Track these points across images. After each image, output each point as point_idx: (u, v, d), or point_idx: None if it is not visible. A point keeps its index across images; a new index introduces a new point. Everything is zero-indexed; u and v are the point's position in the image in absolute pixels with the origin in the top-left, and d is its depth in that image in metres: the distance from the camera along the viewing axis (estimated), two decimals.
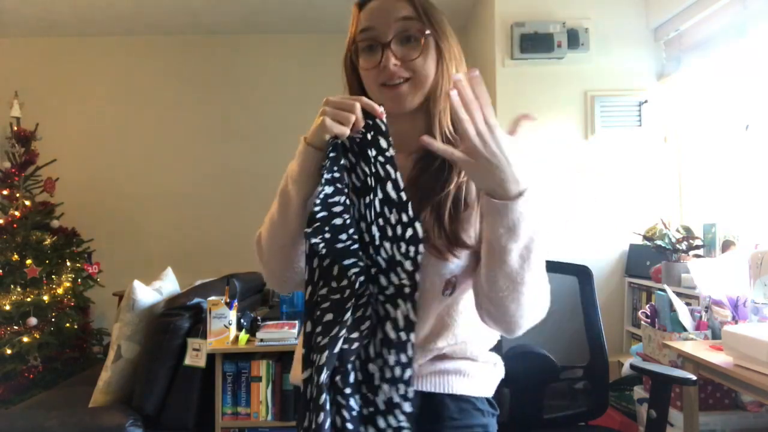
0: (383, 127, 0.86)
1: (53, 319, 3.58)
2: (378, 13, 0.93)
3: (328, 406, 0.82)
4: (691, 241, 2.71)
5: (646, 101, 3.25)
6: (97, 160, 4.44)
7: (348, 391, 0.84)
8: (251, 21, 4.27)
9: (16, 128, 3.84)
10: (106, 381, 2.14)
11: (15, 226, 3.61)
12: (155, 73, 4.51)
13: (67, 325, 3.62)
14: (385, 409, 0.85)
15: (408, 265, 0.85)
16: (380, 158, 0.86)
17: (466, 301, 0.96)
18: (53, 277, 3.69)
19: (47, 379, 3.42)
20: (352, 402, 0.84)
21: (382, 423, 0.85)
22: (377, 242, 0.86)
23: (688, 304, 2.37)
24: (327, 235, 0.84)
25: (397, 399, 0.85)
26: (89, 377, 2.56)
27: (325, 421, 0.81)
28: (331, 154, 0.85)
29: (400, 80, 0.92)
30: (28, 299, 3.48)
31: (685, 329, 2.24)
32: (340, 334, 0.82)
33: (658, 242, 2.78)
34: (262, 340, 2.21)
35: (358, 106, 0.83)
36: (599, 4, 3.30)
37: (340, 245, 0.85)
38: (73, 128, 4.42)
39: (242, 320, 2.30)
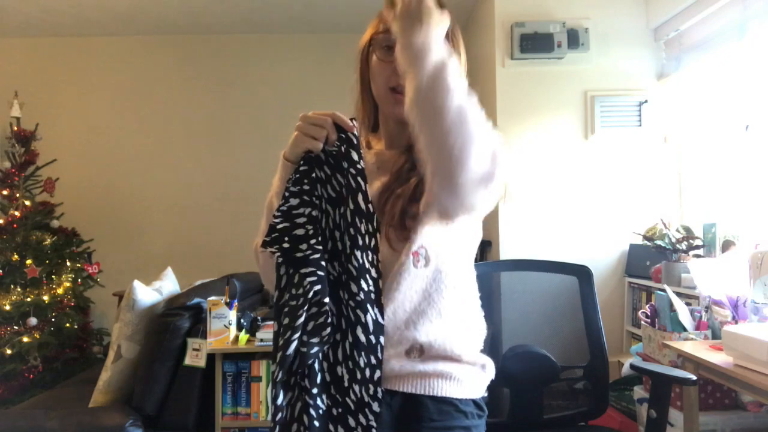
0: (354, 141, 0.92)
1: (53, 319, 3.58)
2: None
3: (284, 403, 0.90)
4: (691, 241, 2.71)
5: (646, 101, 3.25)
6: (97, 160, 4.44)
7: (315, 391, 0.89)
8: (251, 21, 4.27)
9: (16, 128, 3.84)
10: (106, 381, 2.14)
11: (15, 226, 3.61)
12: (155, 73, 4.51)
13: (67, 325, 3.62)
14: (356, 409, 0.89)
15: (374, 272, 0.90)
16: (352, 170, 0.91)
17: (450, 294, 0.97)
18: (53, 277, 3.69)
19: (47, 379, 3.42)
20: (318, 401, 0.89)
21: (352, 422, 0.89)
22: (348, 251, 0.90)
23: (688, 304, 2.37)
24: (285, 245, 0.90)
25: (367, 399, 0.89)
26: (89, 377, 2.56)
27: (282, 418, 0.89)
28: (302, 168, 0.92)
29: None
30: (28, 299, 3.48)
31: (685, 329, 2.24)
32: (293, 338, 0.87)
33: (658, 242, 2.78)
34: (262, 340, 2.21)
35: (329, 121, 0.89)
36: (599, 4, 3.30)
37: (299, 254, 0.90)
38: (73, 128, 4.42)
39: (242, 320, 2.30)
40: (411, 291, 0.94)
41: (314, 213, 0.92)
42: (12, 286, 3.53)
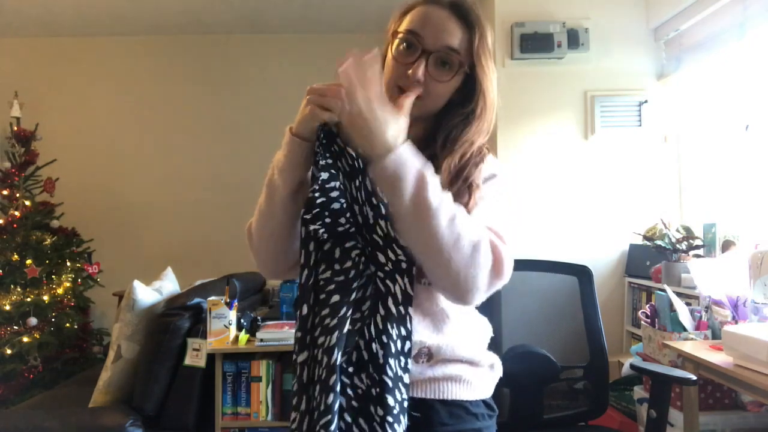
0: None
1: (53, 319, 3.58)
2: (432, 26, 0.94)
3: (338, 387, 0.83)
4: (691, 241, 2.71)
5: (646, 101, 3.25)
6: (97, 160, 4.44)
7: (351, 370, 0.86)
8: (251, 21, 4.27)
9: (16, 128, 3.84)
10: (106, 381, 2.14)
11: (15, 226, 3.60)
12: (155, 73, 4.51)
13: (67, 325, 3.62)
14: (392, 386, 0.84)
15: (402, 240, 0.86)
16: None
17: None
18: (53, 277, 3.69)
19: (47, 379, 3.42)
20: (356, 380, 0.86)
21: (391, 401, 0.84)
22: (371, 221, 0.86)
23: (688, 304, 2.37)
24: (327, 220, 0.87)
25: (400, 372, 0.86)
26: (89, 377, 2.56)
27: (335, 401, 0.82)
28: (323, 141, 0.87)
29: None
30: (28, 299, 3.48)
31: (685, 329, 2.24)
32: (348, 314, 0.84)
33: (658, 242, 2.78)
34: (262, 340, 2.21)
35: (342, 91, 0.83)
36: (599, 4, 3.30)
37: (340, 229, 0.87)
38: (73, 128, 4.42)
39: (242, 320, 2.30)
40: (416, 295, 0.94)
41: (343, 187, 0.88)
42: (12, 286, 3.52)
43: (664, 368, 1.77)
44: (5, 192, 3.70)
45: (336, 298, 0.85)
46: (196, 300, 2.28)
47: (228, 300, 2.22)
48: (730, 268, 2.28)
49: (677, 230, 2.81)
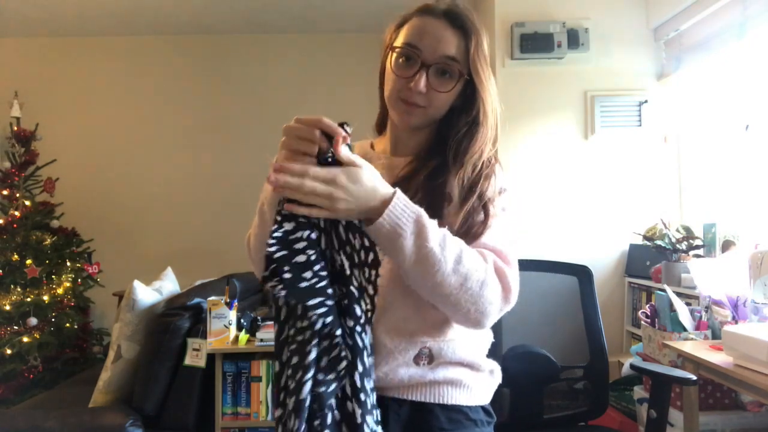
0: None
1: (53, 319, 3.58)
2: (429, 37, 0.95)
3: None
4: (691, 241, 2.71)
5: (646, 101, 3.25)
6: (97, 160, 4.44)
7: None
8: (251, 21, 4.27)
9: (16, 128, 3.84)
10: (106, 381, 2.14)
11: (15, 226, 3.61)
12: (155, 73, 4.51)
13: (67, 325, 3.62)
14: None
15: (371, 289, 0.83)
16: None
17: None
18: (53, 277, 3.69)
19: (47, 379, 3.42)
20: None
21: None
22: (348, 272, 0.82)
23: (688, 304, 2.37)
24: (287, 276, 0.79)
25: (375, 427, 0.83)
26: (89, 377, 2.56)
27: None
28: None
29: (416, 104, 0.95)
30: (28, 299, 3.48)
31: (685, 329, 2.24)
32: (305, 379, 0.79)
33: (658, 242, 2.78)
34: (262, 340, 2.21)
35: (317, 134, 0.79)
36: (599, 4, 3.30)
37: (304, 284, 0.79)
38: (73, 128, 4.42)
39: (242, 320, 2.30)
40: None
41: (313, 235, 0.81)
42: (12, 286, 3.53)
43: (664, 368, 1.77)
44: (5, 192, 3.70)
45: (295, 359, 0.81)
46: (196, 300, 2.28)
47: (228, 300, 2.22)
48: (730, 268, 2.28)
49: (677, 230, 2.81)
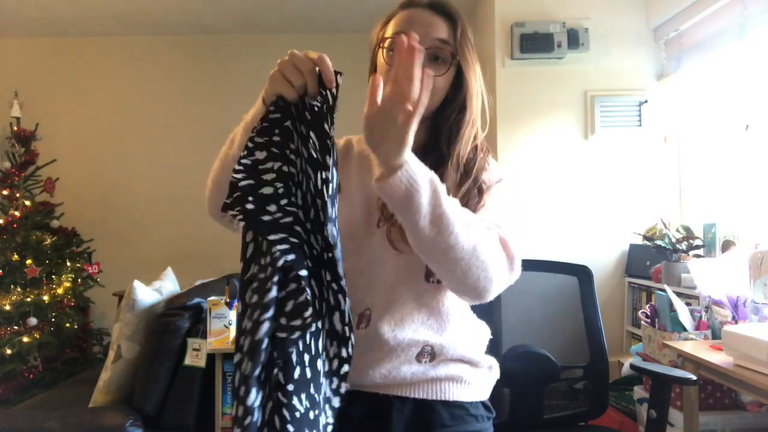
0: (331, 101, 0.76)
1: (53, 319, 3.58)
2: (419, 24, 0.95)
3: (256, 404, 0.73)
4: (691, 241, 2.71)
5: (646, 101, 3.25)
6: (97, 160, 4.44)
7: (291, 388, 0.74)
8: (251, 21, 4.27)
9: (16, 128, 3.84)
10: (106, 381, 2.14)
11: (15, 226, 3.60)
12: (155, 73, 4.51)
13: (67, 325, 3.62)
14: (322, 405, 0.77)
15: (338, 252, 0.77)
16: (328, 136, 0.76)
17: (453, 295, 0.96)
18: (53, 277, 3.69)
19: (47, 379, 3.42)
20: (295, 401, 0.73)
21: (322, 421, 0.76)
22: (322, 221, 0.76)
23: (688, 304, 2.37)
24: (249, 206, 0.74)
25: (329, 393, 0.79)
26: (89, 377, 2.56)
27: (253, 423, 0.72)
28: (272, 116, 0.77)
29: None
30: (28, 299, 3.48)
31: (685, 329, 2.24)
32: (262, 319, 0.73)
33: (658, 242, 2.78)
34: None
35: (312, 68, 0.76)
36: (599, 4, 3.30)
37: (266, 218, 0.74)
38: (73, 128, 4.42)
39: None
40: (421, 294, 0.94)
41: (285, 169, 0.76)
42: (12, 286, 3.53)
43: (664, 368, 1.77)
44: (5, 192, 3.70)
45: (254, 298, 0.74)
46: (196, 300, 2.28)
47: (228, 300, 2.22)
48: (730, 268, 2.28)
49: (677, 230, 2.81)
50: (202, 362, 2.13)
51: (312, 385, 0.76)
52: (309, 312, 0.75)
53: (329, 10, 4.04)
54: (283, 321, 0.74)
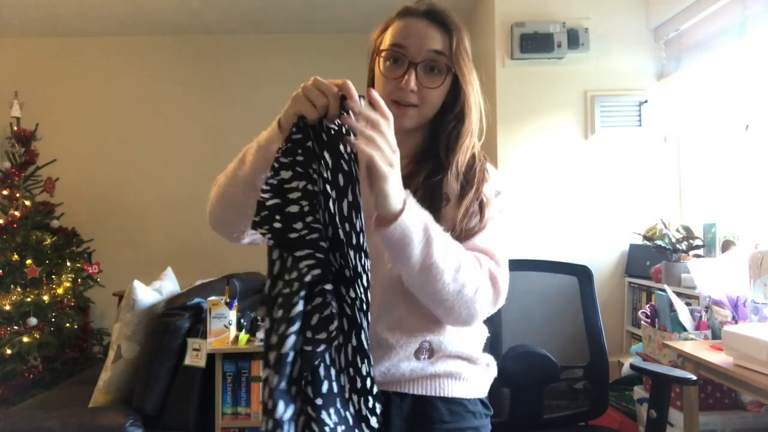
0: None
1: (53, 319, 3.58)
2: (414, 35, 0.96)
3: (286, 417, 0.74)
4: (691, 241, 2.71)
5: (645, 101, 3.25)
6: (97, 160, 4.44)
7: (319, 402, 0.75)
8: (251, 21, 4.27)
9: (16, 128, 3.84)
10: (106, 381, 2.14)
11: (15, 226, 3.61)
12: (155, 73, 4.51)
13: (67, 325, 3.62)
14: (353, 424, 0.79)
15: (364, 280, 0.80)
16: (347, 155, 0.80)
17: None
18: (53, 277, 3.69)
19: (47, 379, 3.42)
20: (324, 416, 0.75)
21: None
22: (345, 249, 0.79)
23: (688, 304, 2.37)
24: (277, 225, 0.77)
25: (365, 412, 0.81)
26: (89, 377, 2.56)
27: None
28: (295, 136, 0.79)
29: (410, 104, 0.96)
30: (28, 299, 3.48)
31: (685, 329, 2.24)
32: (288, 333, 0.74)
33: (658, 242, 2.78)
34: (262, 340, 2.21)
35: (335, 92, 0.79)
36: (599, 4, 3.30)
37: (293, 235, 0.77)
38: (73, 128, 4.42)
39: (242, 320, 2.30)
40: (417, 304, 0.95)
41: (310, 187, 0.78)
42: (12, 286, 3.53)
43: (664, 368, 1.77)
44: (5, 192, 3.70)
45: (279, 312, 0.76)
46: (196, 300, 2.28)
47: (228, 300, 2.22)
48: (730, 268, 2.28)
49: (677, 230, 2.81)
50: (202, 362, 2.13)
51: (338, 399, 0.78)
52: (334, 325, 0.77)
53: (329, 10, 4.04)
54: (309, 334, 0.76)
